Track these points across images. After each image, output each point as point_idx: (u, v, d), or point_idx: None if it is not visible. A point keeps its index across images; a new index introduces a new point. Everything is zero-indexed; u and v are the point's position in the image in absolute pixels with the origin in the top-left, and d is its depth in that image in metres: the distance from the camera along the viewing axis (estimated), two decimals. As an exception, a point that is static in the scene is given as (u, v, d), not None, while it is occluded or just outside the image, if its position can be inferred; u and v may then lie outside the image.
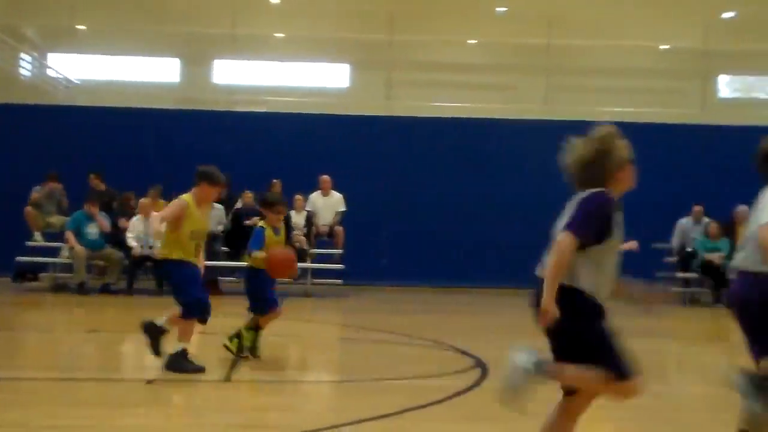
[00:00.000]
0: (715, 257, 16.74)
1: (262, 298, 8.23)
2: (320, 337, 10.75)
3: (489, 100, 20.68)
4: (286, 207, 8.56)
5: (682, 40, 21.05)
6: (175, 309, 7.83)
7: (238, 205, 16.95)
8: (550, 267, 4.33)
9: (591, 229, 4.36)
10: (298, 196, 17.05)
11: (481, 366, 8.32)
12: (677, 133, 19.81)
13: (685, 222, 17.84)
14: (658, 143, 19.65)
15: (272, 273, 8.08)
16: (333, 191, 17.19)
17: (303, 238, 16.59)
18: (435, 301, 16.50)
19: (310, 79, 21.68)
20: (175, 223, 7.64)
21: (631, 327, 13.54)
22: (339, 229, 17.06)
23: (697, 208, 17.77)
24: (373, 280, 17.89)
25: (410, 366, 7.81)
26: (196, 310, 7.72)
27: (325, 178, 17.13)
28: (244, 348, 8.18)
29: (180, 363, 7.60)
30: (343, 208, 17.19)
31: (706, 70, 21.31)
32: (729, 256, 16.94)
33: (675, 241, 17.85)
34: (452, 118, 19.90)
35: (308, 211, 17.09)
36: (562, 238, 4.33)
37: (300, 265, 16.59)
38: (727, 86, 22.67)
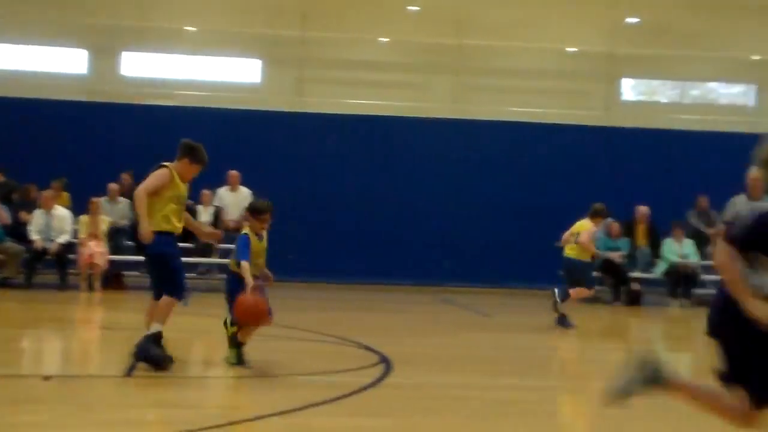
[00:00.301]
0: (616, 256, 17.16)
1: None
2: (225, 333, 10.70)
3: (399, 98, 20.82)
4: (272, 216, 8.03)
5: (588, 44, 21.49)
6: (153, 305, 7.64)
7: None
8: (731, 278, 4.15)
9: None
10: (205, 192, 16.94)
11: (386, 362, 8.41)
12: (582, 133, 20.24)
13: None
14: (563, 144, 20.07)
15: (240, 320, 7.59)
16: (241, 186, 17.10)
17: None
18: (343, 298, 16.56)
19: (220, 73, 21.52)
20: (158, 192, 7.44)
21: (534, 323, 13.83)
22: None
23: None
24: (281, 275, 17.82)
25: (314, 362, 7.86)
26: (183, 292, 7.63)
27: (234, 173, 17.04)
28: (240, 360, 7.80)
29: (149, 346, 7.35)
30: (251, 204, 17.12)
31: (610, 73, 21.79)
32: (629, 255, 17.40)
33: (578, 240, 18.21)
34: (363, 115, 19.99)
35: (216, 207, 17.00)
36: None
37: (206, 260, 16.55)
38: (631, 89, 23.21)
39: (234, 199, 17.04)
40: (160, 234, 7.43)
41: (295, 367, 7.82)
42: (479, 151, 19.85)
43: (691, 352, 12.11)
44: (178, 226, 7.60)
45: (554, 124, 20.28)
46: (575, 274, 12.75)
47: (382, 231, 18.90)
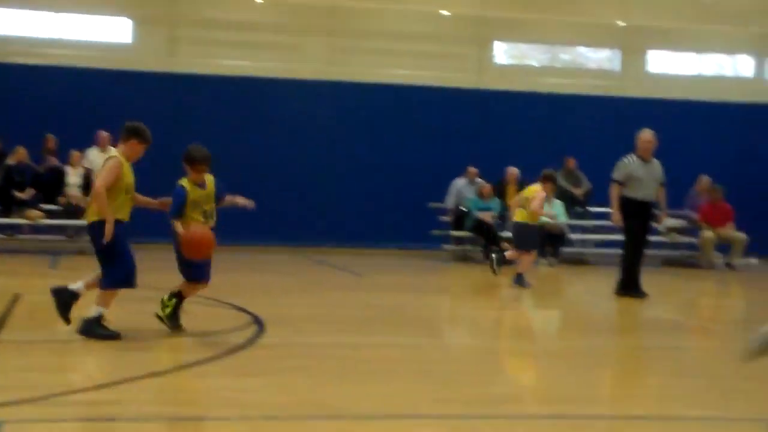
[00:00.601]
0: (487, 216, 17.55)
1: (188, 263, 7.65)
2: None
3: (273, 59, 20.67)
4: (210, 164, 7.81)
5: (461, 7, 21.70)
6: (94, 274, 7.54)
7: (11, 161, 16.32)
8: None
9: None
10: (74, 152, 16.56)
11: (258, 323, 8.47)
12: (455, 96, 20.52)
13: (459, 182, 18.58)
14: (436, 106, 20.33)
15: (185, 252, 7.46)
16: (111, 147, 16.67)
17: (80, 196, 16.21)
18: (216, 259, 16.45)
19: (89, 32, 20.93)
20: (112, 186, 7.40)
21: (408, 283, 14.10)
22: (118, 186, 16.73)
23: (472, 169, 18.53)
24: (156, 237, 17.62)
25: (187, 324, 7.83)
26: (128, 281, 7.45)
27: (104, 134, 16.66)
28: (171, 316, 7.68)
29: (94, 329, 7.32)
30: (122, 165, 16.83)
31: (482, 37, 22.08)
32: (500, 216, 17.82)
33: (450, 201, 18.57)
34: (236, 76, 19.78)
35: (86, 168, 16.64)
36: None
37: (76, 222, 16.20)
38: (503, 53, 23.59)
39: (104, 160, 16.67)
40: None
41: (167, 329, 7.78)
42: (353, 113, 19.93)
43: (558, 308, 12.54)
44: (127, 214, 7.59)
45: (428, 86, 20.48)
46: (524, 237, 13.11)
47: (256, 193, 18.66)
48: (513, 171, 18.45)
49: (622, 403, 5.96)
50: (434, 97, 20.36)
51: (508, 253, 13.34)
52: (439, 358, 7.48)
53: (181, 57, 20.53)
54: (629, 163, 12.04)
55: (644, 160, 12.08)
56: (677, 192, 16.08)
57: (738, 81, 23.68)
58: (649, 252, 13.23)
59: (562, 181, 18.86)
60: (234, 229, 18.58)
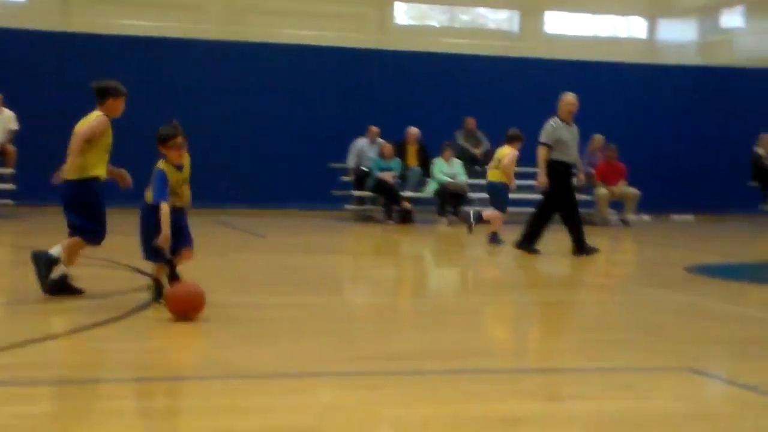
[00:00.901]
0: (388, 176, 17.65)
1: (152, 248, 7.21)
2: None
3: (170, 19, 20.35)
4: (186, 139, 7.36)
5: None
6: (71, 239, 7.44)
7: None
8: None
9: None
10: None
11: (157, 285, 8.38)
12: (355, 56, 20.50)
13: (360, 142, 18.62)
14: (337, 66, 20.29)
15: (170, 310, 6.76)
16: (4, 108, 16.34)
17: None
18: (114, 222, 16.20)
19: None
20: (95, 140, 7.34)
21: (311, 243, 14.13)
22: (11, 148, 16.34)
23: (373, 129, 18.59)
24: (50, 201, 17.31)
25: (84, 286, 7.73)
26: (99, 238, 7.54)
27: (-5, 93, 16.25)
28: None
29: (61, 286, 7.39)
30: (15, 127, 16.42)
31: (384, -3, 22.13)
32: (401, 175, 17.95)
33: (351, 161, 18.61)
34: (133, 36, 19.43)
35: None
36: None
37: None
38: (403, 13, 23.65)
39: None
40: (90, 181, 7.43)
41: (64, 292, 7.67)
42: (253, 74, 19.74)
43: (459, 266, 12.74)
44: (105, 173, 7.60)
45: (328, 46, 20.42)
46: (498, 196, 13.17)
47: (155, 155, 18.51)
48: (413, 131, 18.58)
49: (519, 357, 6.12)
50: (335, 58, 20.32)
51: (485, 213, 13.52)
52: (341, 317, 7.55)
53: (75, 17, 20.05)
54: (556, 127, 12.19)
55: (567, 123, 12.27)
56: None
57: (631, 42, 24.24)
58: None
59: (462, 141, 19.09)
60: (134, 191, 18.38)
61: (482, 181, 19.38)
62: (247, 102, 19.62)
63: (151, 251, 7.25)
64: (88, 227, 7.51)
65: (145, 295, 7.64)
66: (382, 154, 17.95)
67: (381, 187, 17.72)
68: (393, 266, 12.32)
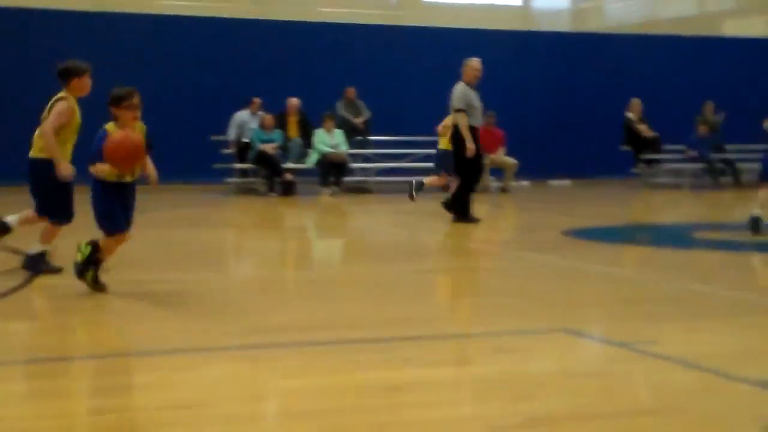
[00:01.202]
0: (269, 148, 17.56)
1: (101, 213, 6.87)
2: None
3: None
4: (139, 98, 6.97)
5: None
6: (29, 211, 7.64)
7: None
8: None
9: None
10: None
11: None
12: (233, 27, 20.27)
13: (242, 114, 18.46)
14: (215, 37, 20.02)
15: (111, 165, 6.51)
16: None
17: None
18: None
19: None
20: (64, 127, 7.38)
21: (193, 217, 13.97)
22: None
23: (256, 100, 18.43)
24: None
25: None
26: (67, 218, 7.63)
27: None
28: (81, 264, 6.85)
29: (38, 264, 7.57)
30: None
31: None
32: (282, 147, 17.87)
33: (232, 133, 18.42)
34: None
35: None
36: None
37: None
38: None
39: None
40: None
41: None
42: (127, 45, 19.28)
43: (341, 237, 12.83)
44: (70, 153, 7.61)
45: (205, 17, 20.15)
46: (447, 163, 13.09)
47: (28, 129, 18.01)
48: (294, 102, 18.53)
49: (403, 325, 6.24)
50: (212, 29, 20.05)
51: (427, 179, 13.55)
52: (227, 291, 7.55)
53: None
54: (467, 92, 12.29)
55: (472, 87, 12.40)
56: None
57: (507, 9, 24.63)
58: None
59: (343, 111, 19.12)
60: (8, 170, 17.83)
61: (364, 151, 19.57)
62: (122, 74, 19.09)
63: (98, 223, 6.93)
64: (55, 207, 7.60)
65: (20, 275, 7.50)
66: (263, 126, 17.84)
67: (263, 159, 17.63)
68: (277, 239, 12.32)
